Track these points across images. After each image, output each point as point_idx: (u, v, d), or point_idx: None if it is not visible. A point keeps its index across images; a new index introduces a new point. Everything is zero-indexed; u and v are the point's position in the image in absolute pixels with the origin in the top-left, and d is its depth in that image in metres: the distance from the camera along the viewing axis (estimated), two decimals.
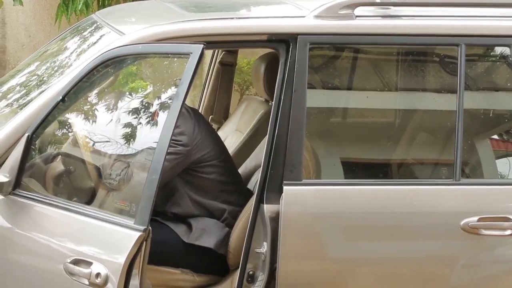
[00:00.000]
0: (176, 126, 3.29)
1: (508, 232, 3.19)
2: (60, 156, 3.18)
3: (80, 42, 3.63)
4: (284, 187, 3.12)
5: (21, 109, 3.15)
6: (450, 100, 3.36)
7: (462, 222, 3.16)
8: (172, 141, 3.33)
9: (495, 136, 3.63)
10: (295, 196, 3.13)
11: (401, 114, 3.79)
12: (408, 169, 3.65)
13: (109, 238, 2.84)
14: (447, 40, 3.32)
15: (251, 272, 3.20)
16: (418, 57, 3.62)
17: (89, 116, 3.26)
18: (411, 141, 3.64)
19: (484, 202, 3.22)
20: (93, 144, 3.19)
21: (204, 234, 3.44)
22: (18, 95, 3.44)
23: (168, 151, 3.30)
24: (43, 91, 3.18)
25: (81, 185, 3.18)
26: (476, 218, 3.17)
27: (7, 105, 3.40)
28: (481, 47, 3.55)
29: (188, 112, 3.51)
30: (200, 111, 4.54)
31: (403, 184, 3.31)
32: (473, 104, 3.50)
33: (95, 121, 3.25)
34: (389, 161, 3.65)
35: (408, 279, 3.18)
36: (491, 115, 3.60)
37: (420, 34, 3.31)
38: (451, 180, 3.24)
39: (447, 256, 3.19)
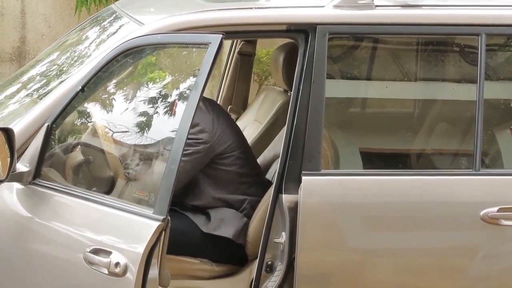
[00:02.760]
0: (195, 124, 3.31)
1: None
2: (79, 146, 3.19)
3: (100, 32, 3.64)
4: (303, 177, 3.12)
5: (41, 99, 3.16)
6: (470, 90, 3.34)
7: (481, 213, 3.15)
8: (192, 140, 3.35)
9: None
10: (314, 186, 3.12)
11: (421, 104, 3.78)
12: (428, 159, 3.64)
13: (128, 228, 2.85)
14: (467, 30, 3.30)
15: (269, 262, 3.20)
16: (437, 47, 3.60)
17: (108, 106, 3.27)
18: (430, 131, 3.63)
19: (504, 193, 3.20)
20: (112, 134, 3.20)
21: (223, 224, 3.45)
22: (38, 85, 3.45)
23: (190, 151, 3.33)
24: (62, 81, 3.19)
25: (100, 175, 3.19)
26: (496, 209, 3.15)
27: (27, 95, 3.42)
28: (501, 37, 3.53)
29: (206, 107, 3.51)
30: (218, 101, 4.55)
31: (422, 174, 3.29)
32: (493, 94, 3.48)
33: (114, 111, 3.26)
34: (408, 151, 3.64)
35: (427, 270, 3.17)
36: (511, 105, 3.58)
37: (440, 23, 3.29)
38: (471, 170, 3.22)
39: (467, 246, 3.18)
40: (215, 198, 3.50)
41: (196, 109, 2.85)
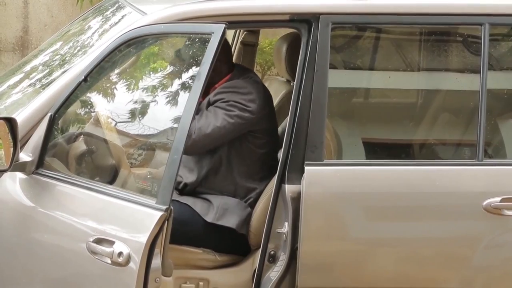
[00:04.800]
0: (248, 92, 3.37)
1: None
2: (82, 136, 3.19)
3: (102, 22, 3.63)
4: (306, 167, 3.12)
5: (44, 89, 3.16)
6: (473, 80, 3.33)
7: (484, 203, 3.15)
8: (240, 105, 3.38)
9: None
10: (317, 176, 3.12)
11: (424, 94, 3.78)
12: (431, 149, 3.64)
13: (131, 218, 2.85)
14: (470, 20, 3.30)
15: (272, 252, 3.20)
16: (441, 37, 3.59)
17: (111, 96, 3.27)
18: (433, 121, 3.62)
19: (507, 183, 3.20)
20: (115, 124, 3.20)
21: (226, 214, 3.45)
22: (40, 75, 3.46)
23: (234, 112, 3.34)
24: (65, 71, 3.19)
25: (103, 164, 3.19)
26: (499, 199, 3.15)
27: (30, 85, 3.42)
28: (505, 27, 3.52)
29: (263, 85, 3.58)
30: None
31: (425, 164, 3.29)
32: (496, 84, 3.48)
33: (117, 101, 3.26)
34: (411, 141, 3.63)
35: (430, 260, 3.17)
36: None
37: (443, 13, 3.28)
38: (474, 160, 3.22)
39: (469, 236, 3.18)
40: (227, 179, 3.48)
41: (199, 99, 2.84)
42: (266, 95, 3.56)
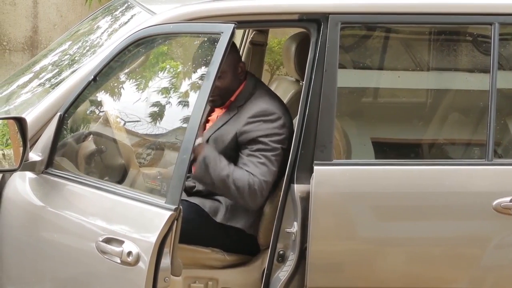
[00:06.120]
0: (273, 113, 3.31)
1: None
2: (91, 136, 3.20)
3: (112, 21, 3.64)
4: (315, 167, 3.11)
5: (53, 88, 3.17)
6: (483, 80, 3.33)
7: (494, 203, 3.14)
8: (277, 137, 3.31)
9: None
10: (326, 176, 3.12)
11: (433, 94, 3.77)
12: (440, 149, 3.63)
13: (141, 217, 2.85)
14: (480, 19, 3.29)
15: (281, 252, 3.20)
16: (450, 36, 3.59)
17: (120, 95, 3.27)
18: (443, 121, 3.62)
19: None
20: (124, 124, 3.20)
21: (236, 214, 3.45)
22: (50, 75, 3.46)
23: (277, 151, 3.29)
24: (74, 70, 3.20)
25: (112, 164, 3.20)
26: (508, 199, 3.14)
27: (39, 85, 3.43)
28: None
29: (278, 97, 3.49)
30: None
31: (434, 164, 3.28)
32: (506, 83, 3.47)
33: (126, 101, 3.26)
34: (421, 141, 3.63)
35: (439, 260, 3.17)
36: None
37: (453, 13, 3.27)
38: (484, 160, 3.22)
39: (479, 236, 3.18)
40: None
41: (208, 99, 2.83)
42: (287, 111, 3.48)
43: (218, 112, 3.56)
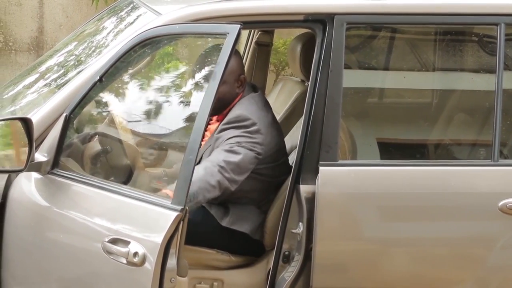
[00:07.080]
0: (248, 118, 3.25)
1: None
2: (97, 136, 3.20)
3: (117, 22, 3.64)
4: (320, 168, 3.11)
5: (59, 89, 3.17)
6: (488, 80, 3.32)
7: (500, 203, 3.14)
8: (250, 143, 3.28)
9: None
10: (331, 176, 3.12)
11: (439, 94, 3.77)
12: (445, 149, 3.63)
13: (147, 218, 2.85)
14: (486, 20, 3.29)
15: (286, 253, 3.20)
16: (456, 37, 3.58)
17: (126, 96, 3.27)
18: (448, 122, 3.61)
19: None
20: (130, 124, 3.21)
21: (241, 219, 3.44)
22: (56, 75, 3.47)
23: (241, 148, 3.26)
24: (80, 71, 3.20)
25: (118, 164, 3.20)
26: None
27: (45, 85, 3.43)
28: None
29: (262, 104, 3.42)
30: None
31: (440, 165, 3.28)
32: None
33: (132, 101, 3.26)
34: (426, 141, 3.62)
35: (444, 260, 3.16)
36: None
37: (459, 13, 3.27)
38: (489, 161, 3.21)
39: (485, 237, 3.17)
40: (240, 193, 3.44)
41: (214, 99, 2.83)
42: (270, 119, 3.42)
43: (215, 123, 3.52)
